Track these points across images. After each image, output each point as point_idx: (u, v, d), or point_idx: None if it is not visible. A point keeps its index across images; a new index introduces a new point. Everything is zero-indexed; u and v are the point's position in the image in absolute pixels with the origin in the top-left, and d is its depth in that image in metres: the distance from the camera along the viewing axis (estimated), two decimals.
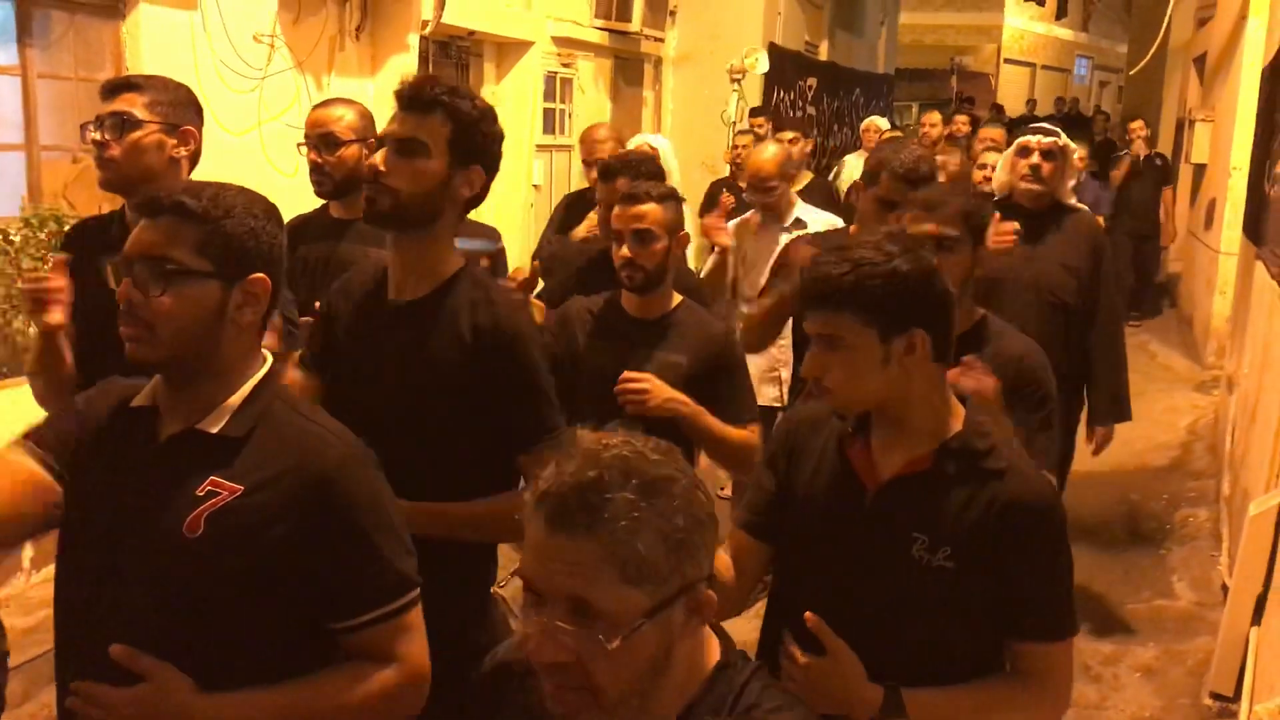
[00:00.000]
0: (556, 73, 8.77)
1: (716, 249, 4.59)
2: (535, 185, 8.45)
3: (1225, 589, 4.48)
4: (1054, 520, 1.83)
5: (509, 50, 8.29)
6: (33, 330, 4.02)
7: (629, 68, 10.04)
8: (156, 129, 2.58)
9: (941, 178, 3.99)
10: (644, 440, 1.26)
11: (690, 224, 3.49)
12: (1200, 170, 10.34)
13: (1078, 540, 5.29)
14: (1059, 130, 4.12)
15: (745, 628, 2.12)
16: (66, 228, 4.35)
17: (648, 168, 3.52)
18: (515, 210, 8.13)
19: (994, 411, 2.03)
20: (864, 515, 1.85)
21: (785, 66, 11.37)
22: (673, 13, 10.37)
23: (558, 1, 8.58)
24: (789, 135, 5.83)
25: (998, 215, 3.92)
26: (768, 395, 4.69)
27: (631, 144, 4.79)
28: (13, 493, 1.70)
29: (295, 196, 3.34)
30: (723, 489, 5.39)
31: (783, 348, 4.25)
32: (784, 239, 4.51)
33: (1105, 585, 5.01)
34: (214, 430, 1.66)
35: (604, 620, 1.18)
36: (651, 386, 2.81)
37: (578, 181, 6.81)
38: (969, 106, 14.44)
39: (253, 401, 1.69)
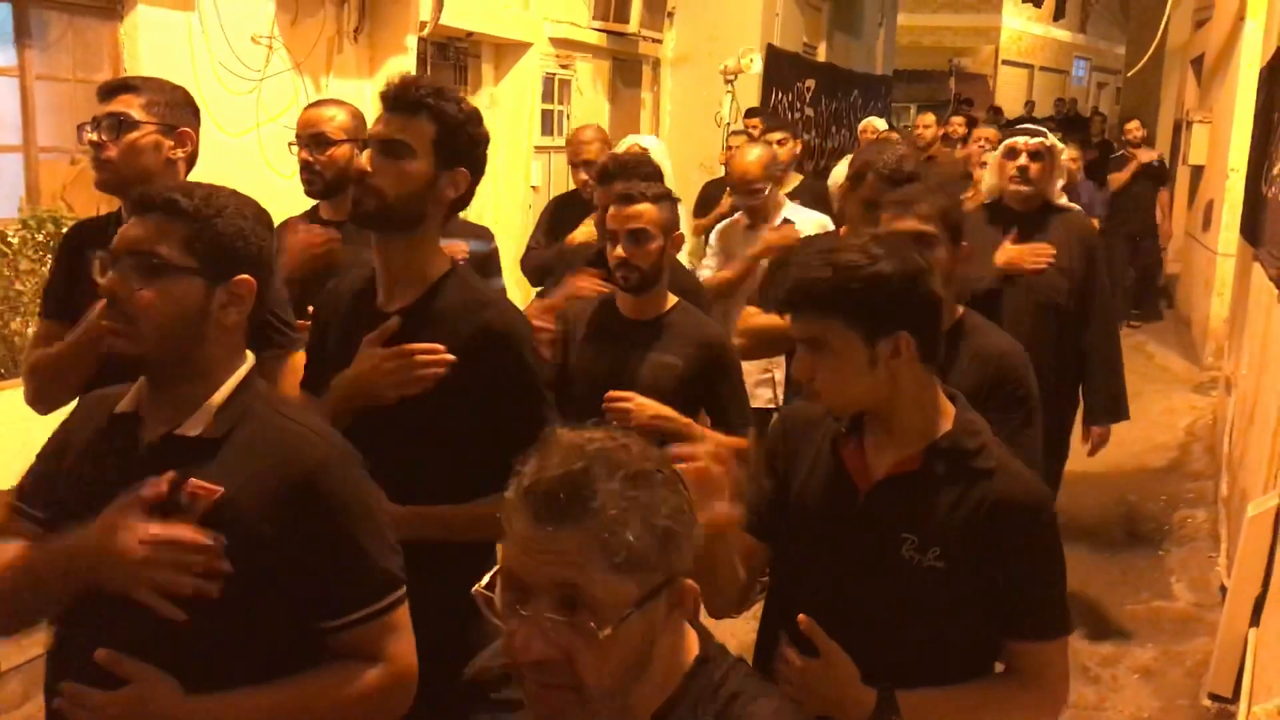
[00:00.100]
0: (555, 74, 8.77)
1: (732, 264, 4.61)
2: (533, 186, 8.44)
3: (1223, 590, 4.49)
4: (1045, 518, 1.83)
5: (507, 51, 8.29)
6: (32, 330, 4.01)
7: (627, 69, 10.04)
8: (153, 130, 2.59)
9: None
10: (624, 434, 1.26)
11: (685, 225, 3.49)
12: (1198, 172, 10.34)
13: (1076, 541, 5.32)
14: (1046, 130, 4.12)
15: (745, 628, 2.12)
16: (64, 229, 4.35)
17: (645, 169, 3.52)
18: (513, 211, 8.13)
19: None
20: (856, 516, 1.85)
21: (783, 68, 11.37)
22: (671, 14, 10.37)
23: (556, 3, 8.58)
24: (777, 136, 5.80)
25: (1015, 234, 3.95)
26: (762, 397, 4.69)
27: (622, 145, 4.78)
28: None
29: (294, 198, 3.35)
30: None
31: None
32: (768, 233, 4.53)
33: (1103, 586, 5.01)
34: (193, 434, 1.65)
35: (593, 609, 1.18)
36: (634, 406, 2.81)
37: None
38: (967, 108, 14.45)
39: (233, 402, 1.69)
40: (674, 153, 10.66)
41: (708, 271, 4.73)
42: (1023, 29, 24.69)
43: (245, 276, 1.69)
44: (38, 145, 4.91)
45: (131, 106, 2.57)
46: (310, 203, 3.35)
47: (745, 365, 3.33)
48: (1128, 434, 7.03)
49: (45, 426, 1.86)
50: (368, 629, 1.67)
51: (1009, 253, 3.94)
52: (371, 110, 2.30)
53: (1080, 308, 4.00)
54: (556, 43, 8.66)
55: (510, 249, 5.00)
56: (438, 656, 1.80)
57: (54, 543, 1.66)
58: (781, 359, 4.11)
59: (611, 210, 2.97)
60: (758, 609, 2.10)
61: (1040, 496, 1.84)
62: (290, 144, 3.28)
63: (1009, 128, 5.27)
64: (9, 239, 4.55)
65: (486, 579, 1.25)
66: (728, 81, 9.46)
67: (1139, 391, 8.02)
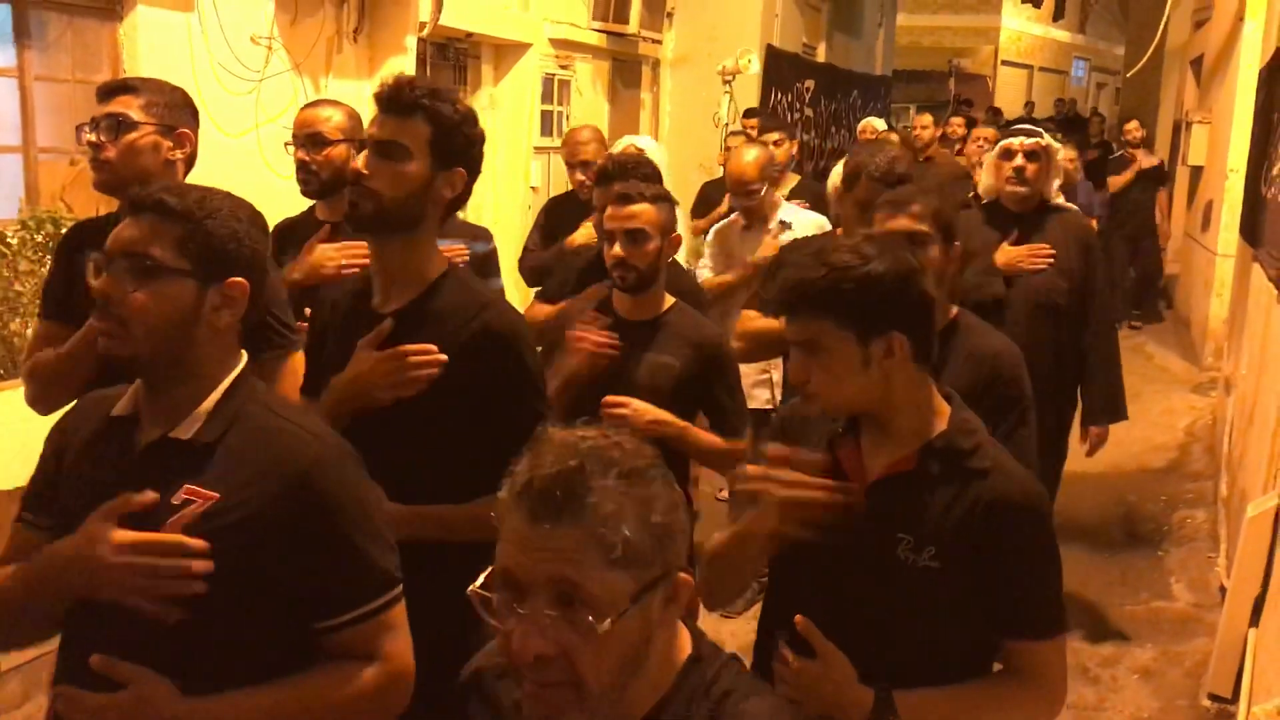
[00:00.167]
0: (554, 75, 8.77)
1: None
2: (533, 187, 8.44)
3: (1223, 590, 4.49)
4: (1040, 517, 1.83)
5: (506, 52, 8.29)
6: (31, 331, 4.01)
7: (626, 70, 10.04)
8: (152, 131, 2.59)
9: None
10: (615, 432, 1.27)
11: (684, 225, 3.49)
12: (1197, 172, 10.34)
13: (1075, 542, 5.32)
14: (1042, 131, 4.12)
15: (745, 629, 2.12)
16: (63, 230, 4.35)
17: (644, 170, 3.52)
18: (513, 212, 8.13)
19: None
20: (852, 516, 1.85)
21: (783, 68, 11.37)
22: (670, 15, 10.37)
23: (555, 3, 8.58)
24: (774, 137, 5.80)
25: (1014, 235, 3.95)
26: (759, 398, 4.70)
27: (617, 146, 4.79)
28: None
29: (293, 198, 3.35)
30: (721, 491, 5.39)
31: None
32: (768, 240, 4.53)
33: (1103, 587, 5.01)
34: (187, 437, 1.65)
35: (590, 605, 1.19)
36: (631, 411, 2.81)
37: None
38: (967, 109, 14.45)
39: (226, 405, 1.69)
40: (673, 153, 10.68)
41: (705, 273, 4.73)
42: (1022, 29, 24.69)
43: (238, 279, 1.69)
44: (37, 146, 4.90)
45: (130, 107, 2.57)
46: (307, 203, 3.35)
47: (743, 366, 3.33)
48: (1127, 435, 7.03)
49: (45, 427, 1.86)
50: (364, 628, 1.67)
51: (1008, 254, 3.94)
52: (372, 111, 2.30)
53: (1078, 308, 4.00)
54: (556, 43, 8.66)
55: (510, 250, 5.00)
56: (437, 657, 1.79)
57: (41, 552, 1.67)
58: (779, 360, 4.11)
59: (609, 210, 2.97)
60: (757, 609, 2.10)
61: (1035, 495, 1.84)
62: (286, 144, 3.28)
63: (1007, 128, 5.27)
64: (8, 240, 4.55)
65: (481, 579, 1.25)
66: (725, 82, 9.46)
67: (1138, 392, 8.02)
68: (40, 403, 2.60)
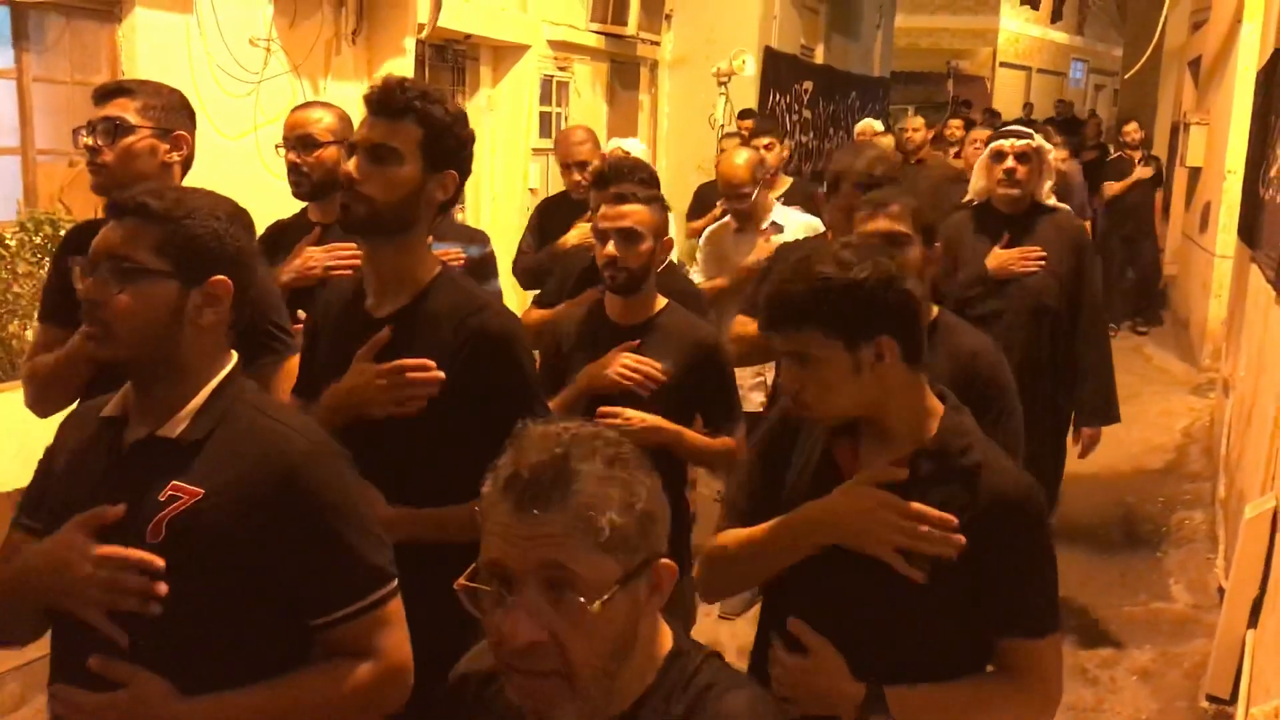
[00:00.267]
0: (553, 76, 8.78)
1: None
2: (531, 189, 8.45)
3: (1221, 592, 4.49)
4: (1033, 515, 1.83)
5: (505, 54, 8.29)
6: (29, 332, 4.01)
7: (625, 71, 10.05)
8: (149, 134, 2.59)
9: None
10: (593, 424, 1.31)
11: (678, 227, 3.50)
12: (1195, 173, 10.34)
13: (1073, 543, 5.31)
14: (1032, 132, 4.12)
15: (745, 630, 2.12)
16: (62, 231, 4.35)
17: (641, 174, 3.52)
18: (510, 214, 8.14)
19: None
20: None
21: (781, 70, 11.38)
22: (668, 16, 10.38)
23: (553, 5, 8.58)
24: (764, 141, 5.81)
25: (1006, 238, 3.96)
26: (755, 401, 4.69)
27: (605, 149, 4.79)
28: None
29: (291, 200, 3.35)
30: (719, 492, 5.39)
31: None
32: (761, 243, 4.54)
33: (1101, 588, 5.01)
34: (174, 435, 1.66)
35: (580, 588, 1.21)
36: (625, 420, 2.80)
37: None
38: (965, 110, 14.45)
39: (213, 403, 1.69)
40: (671, 155, 10.69)
41: (698, 275, 4.74)
42: (1020, 31, 24.71)
43: (221, 277, 1.69)
44: (35, 147, 4.91)
45: (127, 110, 2.57)
46: (301, 204, 3.35)
47: (738, 370, 3.33)
48: (1125, 436, 7.04)
49: (44, 428, 1.87)
50: (358, 624, 1.68)
51: (999, 257, 3.94)
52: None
53: (1071, 308, 4.00)
54: (554, 45, 8.66)
55: (507, 252, 4.99)
56: (435, 657, 1.80)
57: (16, 560, 1.68)
58: (774, 363, 4.12)
59: (603, 210, 2.97)
60: (756, 611, 2.11)
61: (1027, 492, 1.84)
62: (277, 146, 3.28)
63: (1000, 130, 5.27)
64: (6, 241, 4.55)
65: (467, 573, 1.26)
66: (721, 84, 9.47)
67: (1137, 393, 8.03)
68: (39, 405, 2.61)
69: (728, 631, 4.11)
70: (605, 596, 1.21)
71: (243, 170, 5.23)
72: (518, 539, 1.22)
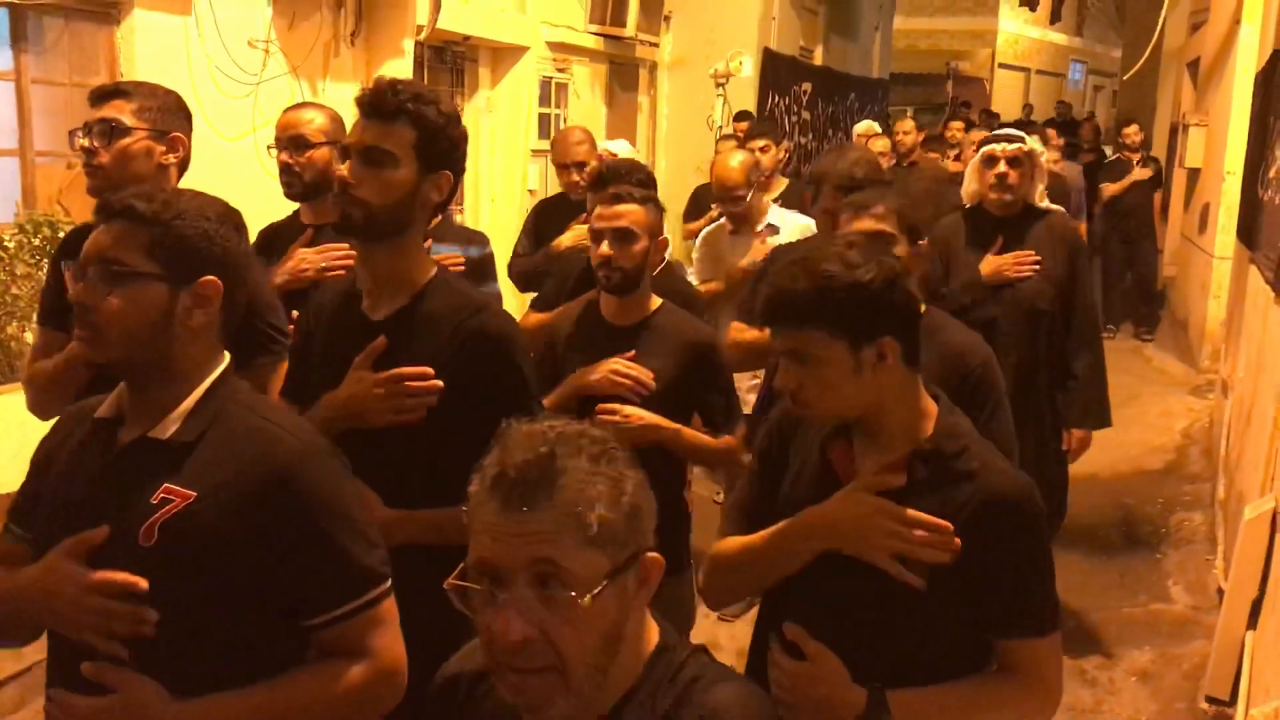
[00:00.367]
0: (551, 78, 8.78)
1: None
2: (530, 190, 8.45)
3: (1221, 593, 4.49)
4: (1030, 515, 1.83)
5: (504, 55, 8.29)
6: (28, 334, 4.00)
7: (624, 73, 10.05)
8: (145, 135, 2.58)
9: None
10: (578, 422, 1.32)
11: (675, 228, 3.50)
12: (1194, 175, 10.35)
13: (1073, 544, 5.30)
14: (1023, 135, 4.11)
15: (744, 632, 2.12)
16: (60, 233, 4.35)
17: (638, 176, 3.52)
18: (509, 215, 8.14)
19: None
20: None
21: (780, 71, 11.39)
22: (667, 18, 10.38)
23: (552, 7, 8.59)
24: (760, 143, 5.81)
25: (1000, 241, 3.96)
26: (751, 404, 4.69)
27: None
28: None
29: (289, 201, 3.35)
30: (718, 495, 5.39)
31: None
32: (756, 245, 4.54)
33: (1100, 589, 5.01)
34: (165, 436, 1.66)
35: (571, 583, 1.22)
36: (623, 418, 2.80)
37: None
38: (965, 110, 14.45)
39: (205, 404, 1.69)
40: (670, 156, 10.69)
41: (693, 277, 4.74)
42: (1019, 32, 24.73)
43: (211, 278, 1.69)
44: (34, 149, 4.91)
45: (123, 112, 2.57)
46: (294, 206, 3.35)
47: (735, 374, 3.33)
48: (1125, 437, 7.03)
49: (42, 430, 1.87)
50: (350, 625, 1.67)
51: (993, 263, 3.94)
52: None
53: (1066, 310, 4.00)
54: (553, 46, 8.66)
55: (506, 253, 4.99)
56: (432, 658, 1.79)
57: (6, 583, 1.69)
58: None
59: (598, 210, 2.96)
60: (754, 614, 2.10)
61: (1024, 492, 1.84)
62: (269, 147, 3.28)
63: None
64: (5, 243, 4.55)
65: (456, 572, 1.26)
66: (719, 85, 9.47)
67: (1136, 394, 8.03)
68: (40, 409, 2.61)
69: (726, 633, 4.11)
70: (595, 591, 1.22)
71: (242, 172, 5.23)
72: (507, 537, 1.22)
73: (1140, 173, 10.40)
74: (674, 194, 7.89)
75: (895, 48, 18.16)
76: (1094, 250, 9.80)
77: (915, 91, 21.07)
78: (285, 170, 3.20)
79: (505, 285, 4.56)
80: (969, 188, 4.12)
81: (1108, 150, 13.00)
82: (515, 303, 5.60)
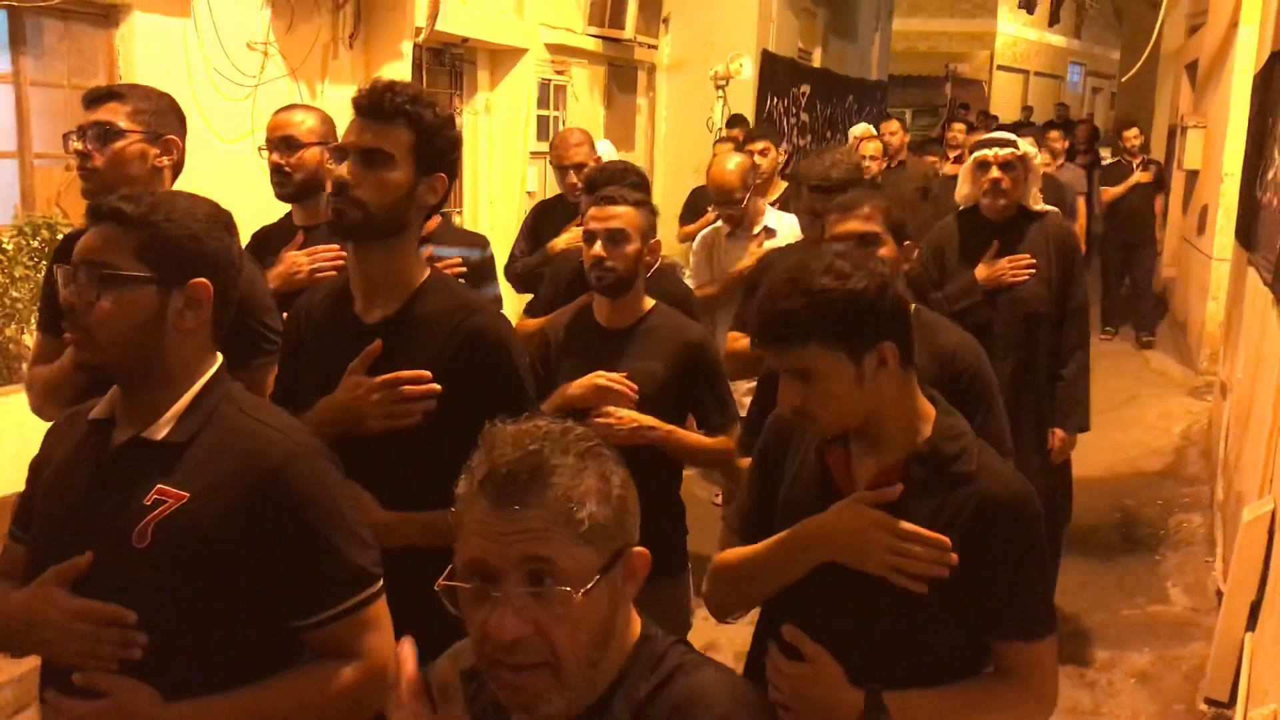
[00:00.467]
0: (550, 80, 8.79)
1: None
2: (529, 192, 8.45)
3: (1219, 595, 4.49)
4: (1027, 517, 1.82)
5: (503, 57, 8.30)
6: (27, 336, 4.00)
7: (623, 75, 10.06)
8: (139, 138, 2.57)
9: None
10: (562, 421, 1.34)
11: (668, 230, 3.50)
12: (1193, 176, 10.35)
13: (1072, 547, 5.29)
14: (1015, 139, 4.10)
15: (743, 634, 2.12)
16: (59, 235, 4.35)
17: (632, 179, 3.52)
18: (508, 217, 8.14)
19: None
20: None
21: (778, 73, 11.40)
22: (666, 20, 10.39)
23: (551, 9, 8.59)
24: (759, 146, 5.80)
25: (995, 245, 3.96)
26: (747, 406, 4.69)
27: None
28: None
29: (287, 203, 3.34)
30: (717, 497, 5.38)
31: None
32: (753, 248, 4.54)
33: (1099, 591, 5.01)
34: (158, 437, 1.66)
35: (563, 579, 1.23)
36: (617, 420, 2.80)
37: None
38: (964, 112, 14.46)
39: (198, 405, 1.69)
40: (669, 158, 10.69)
41: (689, 281, 4.73)
42: (1018, 34, 24.75)
43: (201, 280, 1.69)
44: (32, 151, 4.92)
45: (117, 115, 2.56)
46: (287, 207, 3.34)
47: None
48: (1124, 439, 7.04)
49: (42, 432, 1.87)
50: (342, 626, 1.68)
51: (989, 268, 3.94)
52: None
53: (1060, 312, 3.99)
54: (552, 49, 8.67)
55: (505, 255, 4.99)
56: (427, 658, 1.79)
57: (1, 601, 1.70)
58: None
59: (592, 211, 2.97)
60: (753, 615, 2.10)
61: (1021, 496, 1.84)
62: (260, 148, 3.27)
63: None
64: (4, 245, 4.55)
65: (446, 572, 1.26)
66: (718, 87, 9.48)
67: (1135, 395, 8.03)
68: (41, 413, 2.61)
69: (725, 635, 4.10)
70: (588, 586, 1.23)
71: (240, 174, 5.22)
72: (498, 535, 1.23)
73: (1142, 175, 10.39)
74: (673, 196, 7.90)
75: (894, 50, 18.18)
76: (1093, 252, 9.81)
77: (914, 93, 21.09)
78: (276, 171, 3.20)
79: (504, 287, 4.56)
80: (962, 191, 4.12)
81: (1105, 153, 12.99)
82: (515, 304, 5.61)
